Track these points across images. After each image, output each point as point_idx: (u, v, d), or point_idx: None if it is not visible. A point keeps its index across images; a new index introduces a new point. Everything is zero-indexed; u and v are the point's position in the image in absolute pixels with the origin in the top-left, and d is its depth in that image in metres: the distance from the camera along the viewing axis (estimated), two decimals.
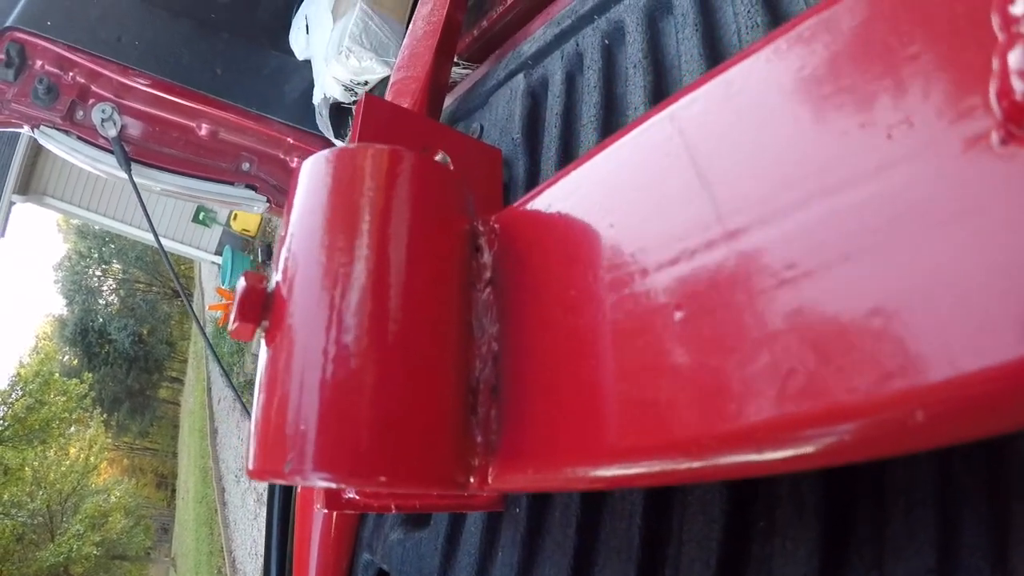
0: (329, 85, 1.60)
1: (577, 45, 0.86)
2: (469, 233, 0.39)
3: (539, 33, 0.94)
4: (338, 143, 1.64)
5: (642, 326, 0.29)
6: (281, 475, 0.29)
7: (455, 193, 0.39)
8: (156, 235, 1.79)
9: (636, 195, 0.33)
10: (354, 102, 1.65)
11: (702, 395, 0.26)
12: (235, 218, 9.67)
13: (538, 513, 0.58)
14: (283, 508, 1.14)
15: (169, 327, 20.13)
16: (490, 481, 0.33)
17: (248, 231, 9.76)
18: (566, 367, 0.32)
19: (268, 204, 1.76)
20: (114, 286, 20.11)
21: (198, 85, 1.63)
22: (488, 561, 0.63)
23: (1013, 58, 0.20)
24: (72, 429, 18.16)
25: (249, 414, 0.33)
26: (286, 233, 0.37)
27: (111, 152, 1.58)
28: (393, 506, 0.52)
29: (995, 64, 0.21)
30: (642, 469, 0.28)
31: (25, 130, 1.58)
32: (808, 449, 0.23)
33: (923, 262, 0.21)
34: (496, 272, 0.39)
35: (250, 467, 0.31)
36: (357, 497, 0.50)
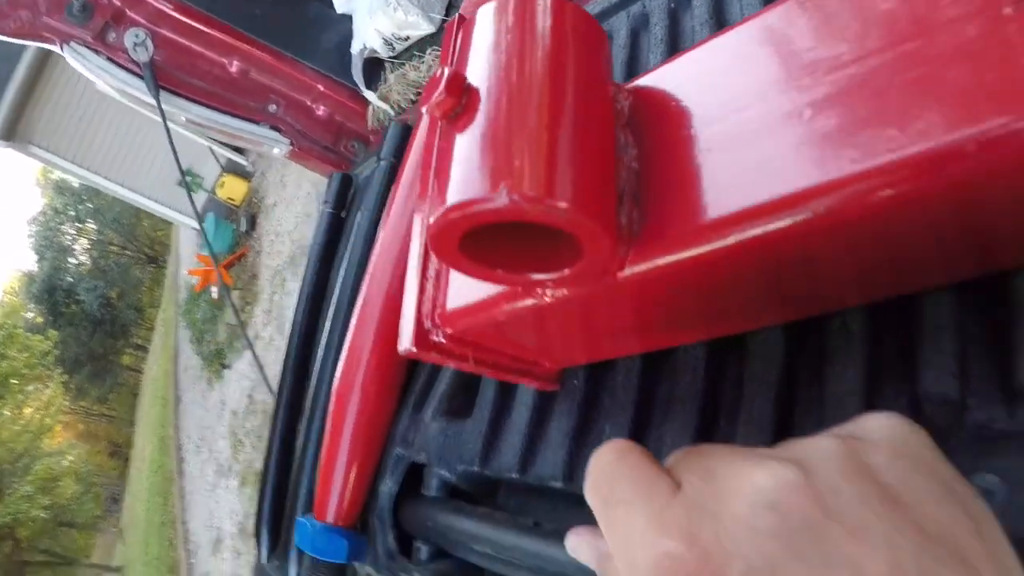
0: (371, 36, 1.68)
1: (644, 6, 0.95)
2: (611, 77, 0.49)
3: None
4: (368, 94, 1.72)
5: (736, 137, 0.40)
6: (490, 200, 0.37)
7: (605, 40, 0.48)
8: (173, 148, 1.85)
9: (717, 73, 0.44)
10: (391, 56, 1.73)
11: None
12: (222, 185, 9.65)
13: (598, 380, 0.66)
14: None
15: (140, 293, 19.98)
16: (628, 264, 0.42)
17: (233, 200, 9.75)
18: (689, 177, 0.42)
19: (291, 147, 1.81)
20: (87, 246, 19.94)
21: (236, 22, 1.68)
22: (537, 438, 0.71)
23: None
24: (31, 388, 18.03)
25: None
26: (474, 54, 0.46)
27: (140, 77, 1.62)
28: (471, 358, 0.60)
29: None
30: (753, 230, 0.38)
31: (55, 47, 1.62)
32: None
33: None
34: (631, 117, 0.48)
35: (454, 198, 0.39)
36: (444, 341, 0.58)
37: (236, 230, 9.30)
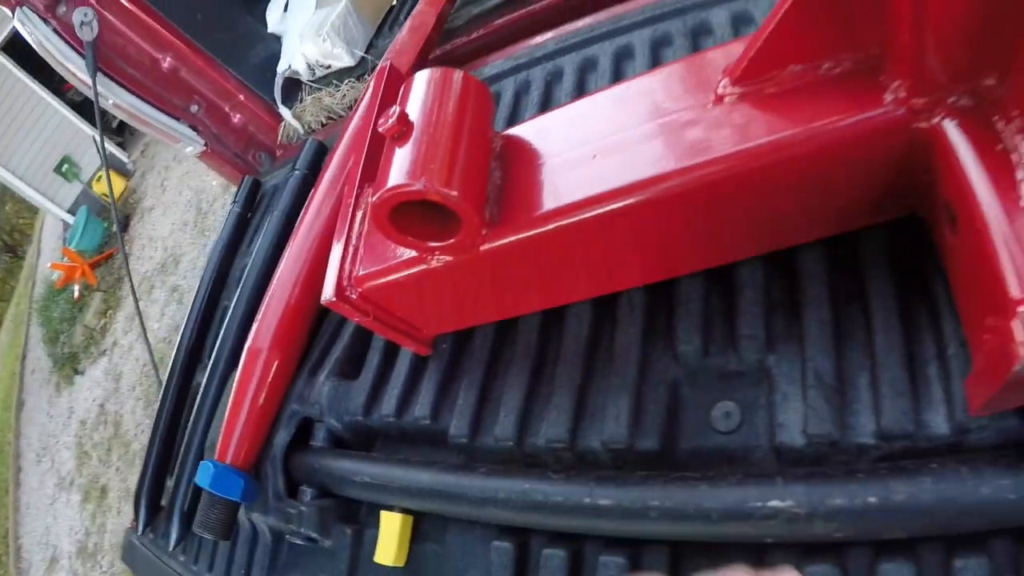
0: (297, 60, 1.88)
1: (527, 76, 1.23)
2: (492, 126, 0.74)
3: (498, 63, 1.32)
4: (284, 111, 1.91)
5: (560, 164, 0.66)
6: (412, 184, 0.61)
7: (491, 102, 0.73)
8: (102, 139, 1.98)
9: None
10: (311, 80, 1.93)
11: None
12: (98, 180, 9.39)
13: (461, 344, 0.90)
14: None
15: None
16: (486, 241, 0.67)
17: (108, 196, 9.49)
18: (528, 191, 0.67)
19: (204, 147, 1.95)
20: None
21: (177, 22, 1.83)
22: (411, 391, 0.92)
23: None
24: None
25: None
26: (412, 101, 0.70)
27: (81, 55, 1.72)
28: (372, 314, 0.82)
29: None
30: (573, 217, 0.63)
31: (7, 7, 1.71)
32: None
33: None
34: (500, 152, 0.73)
35: (393, 182, 0.62)
36: (355, 297, 0.80)
37: (106, 229, 9.06)
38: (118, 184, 9.37)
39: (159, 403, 1.44)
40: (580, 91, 1.10)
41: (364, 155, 0.84)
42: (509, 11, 1.50)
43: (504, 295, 0.81)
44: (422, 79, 0.73)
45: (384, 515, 0.90)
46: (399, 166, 0.64)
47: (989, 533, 0.56)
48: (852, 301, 0.69)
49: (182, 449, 1.24)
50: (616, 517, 0.66)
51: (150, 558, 1.33)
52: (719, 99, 0.64)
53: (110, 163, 9.35)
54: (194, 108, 1.93)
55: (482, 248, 0.69)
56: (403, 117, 0.66)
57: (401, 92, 0.74)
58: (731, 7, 1.06)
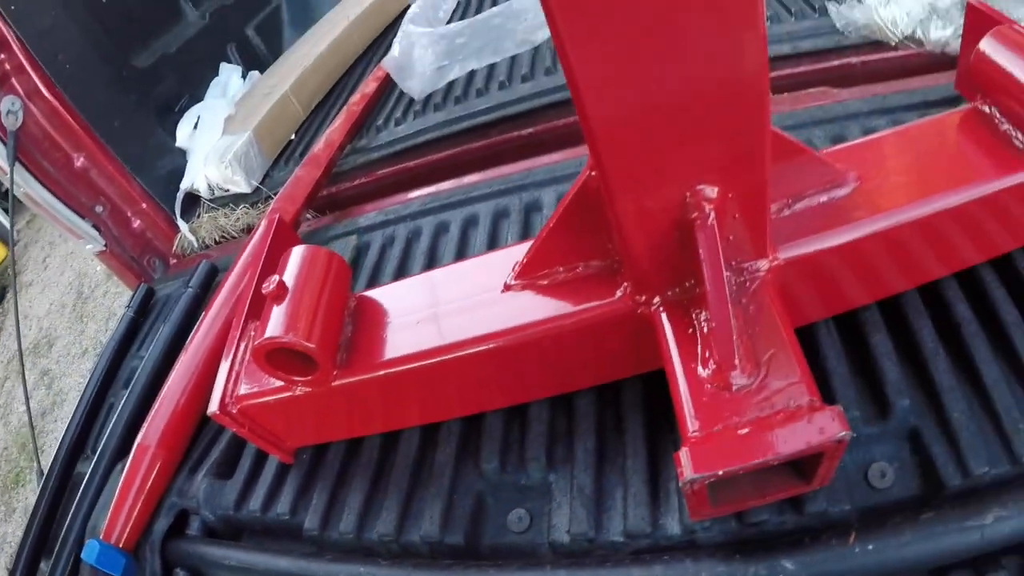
0: (199, 179, 2.12)
1: (393, 232, 1.52)
2: (349, 289, 1.00)
3: (371, 215, 1.62)
4: (182, 224, 2.12)
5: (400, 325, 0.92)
6: (283, 337, 0.86)
7: (348, 272, 0.99)
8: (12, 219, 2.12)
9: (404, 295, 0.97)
10: (210, 199, 2.15)
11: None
12: None
13: (319, 455, 1.12)
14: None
15: None
16: (336, 379, 0.92)
17: None
18: (372, 343, 0.93)
19: (104, 248, 2.12)
20: None
21: (97, 126, 2.03)
22: (275, 492, 1.13)
23: None
24: None
25: None
26: (288, 269, 0.95)
27: (3, 143, 1.89)
28: (247, 428, 1.05)
29: None
30: (399, 368, 0.89)
31: None
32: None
33: None
34: (354, 310, 0.99)
35: (270, 333, 0.87)
36: (235, 412, 1.03)
37: None
38: None
39: (40, 488, 1.58)
40: (432, 252, 1.41)
41: (250, 299, 1.08)
42: (389, 165, 1.81)
43: (351, 420, 1.06)
44: (298, 254, 1.00)
45: None
46: (275, 322, 0.89)
47: None
48: (613, 433, 0.97)
49: (63, 533, 1.38)
50: None
51: None
52: (507, 288, 0.93)
53: None
54: (99, 209, 2.11)
55: (333, 384, 0.94)
56: (281, 284, 0.92)
57: (282, 260, 0.99)
58: (557, 188, 1.39)
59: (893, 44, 1.58)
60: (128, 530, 1.21)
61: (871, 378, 0.92)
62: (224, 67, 2.58)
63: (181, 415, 1.29)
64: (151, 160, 2.21)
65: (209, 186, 2.13)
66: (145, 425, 1.29)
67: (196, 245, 2.11)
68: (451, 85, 2.01)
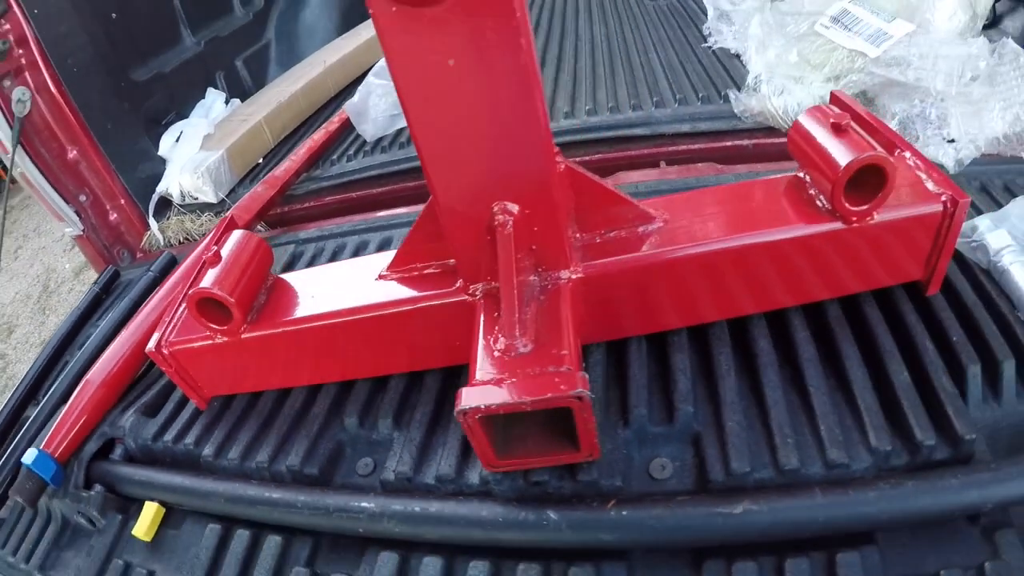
0: (173, 185, 2.44)
1: (324, 245, 1.87)
2: (270, 269, 1.33)
3: (312, 231, 1.98)
4: (152, 222, 2.44)
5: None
6: (212, 288, 1.18)
7: (270, 253, 1.33)
8: (5, 205, 2.42)
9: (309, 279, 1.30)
10: (180, 204, 2.47)
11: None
12: None
13: (226, 403, 1.42)
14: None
15: None
16: (245, 332, 1.24)
17: None
18: (280, 308, 1.25)
19: (82, 233, 2.43)
20: None
21: (92, 125, 2.34)
22: (186, 430, 1.41)
23: None
24: None
25: None
26: (226, 245, 1.27)
27: (10, 125, 2.20)
28: (174, 370, 1.35)
29: None
30: (292, 327, 1.22)
31: None
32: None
33: None
34: (270, 287, 1.32)
35: (204, 284, 1.19)
36: (166, 353, 1.34)
37: None
38: None
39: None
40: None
41: (196, 271, 1.40)
42: (335, 193, 2.18)
43: (253, 373, 1.37)
44: (236, 235, 1.33)
45: (146, 504, 1.36)
46: (208, 278, 1.22)
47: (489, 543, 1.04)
48: (449, 405, 1.24)
49: (8, 449, 1.59)
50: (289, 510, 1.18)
51: None
52: (380, 277, 1.26)
53: None
54: (83, 197, 2.42)
55: (242, 336, 1.26)
56: (217, 253, 1.25)
57: (221, 239, 1.32)
58: None
59: (783, 130, 1.84)
60: (64, 446, 1.47)
61: (665, 388, 1.13)
62: (211, 92, 2.94)
63: (123, 364, 1.59)
64: (134, 163, 2.51)
65: (181, 192, 2.45)
66: (94, 366, 1.58)
67: (162, 242, 2.41)
68: (400, 132, 2.39)
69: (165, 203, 2.51)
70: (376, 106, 2.39)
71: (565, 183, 1.09)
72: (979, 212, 1.27)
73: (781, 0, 2.23)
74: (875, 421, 0.99)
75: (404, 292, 1.22)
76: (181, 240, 2.40)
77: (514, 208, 1.02)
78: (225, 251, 1.29)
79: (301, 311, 1.26)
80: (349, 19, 3.65)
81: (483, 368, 0.96)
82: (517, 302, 0.98)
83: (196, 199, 2.45)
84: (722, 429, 1.03)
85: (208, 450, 1.34)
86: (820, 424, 1.01)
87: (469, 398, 0.90)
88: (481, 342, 1.01)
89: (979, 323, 1.08)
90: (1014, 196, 1.34)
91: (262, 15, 3.38)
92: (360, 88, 2.46)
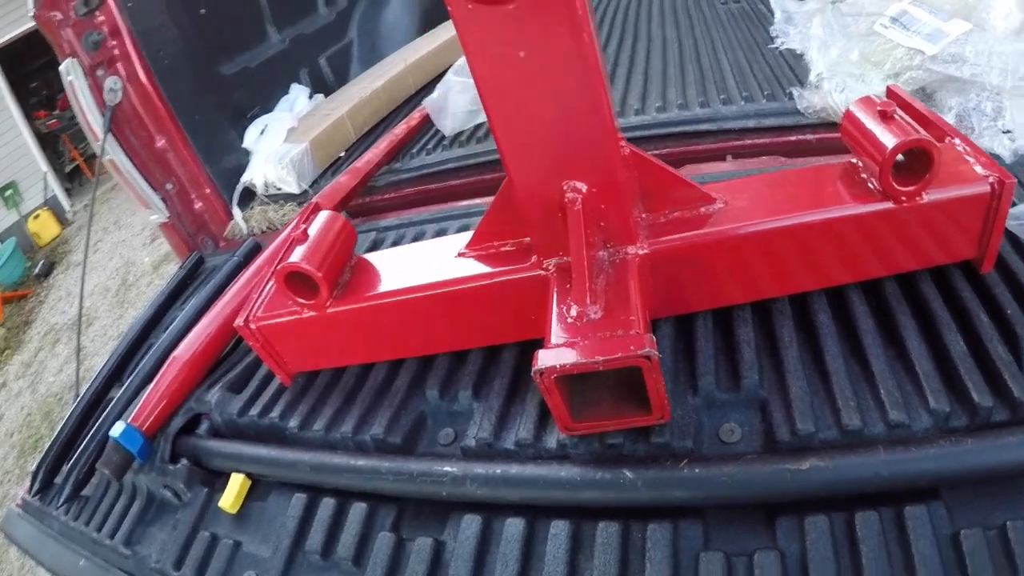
0: (258, 175, 2.50)
1: (404, 232, 1.91)
2: (354, 249, 1.36)
3: (392, 220, 2.03)
4: (236, 212, 2.51)
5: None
6: (301, 264, 1.21)
7: (355, 234, 1.35)
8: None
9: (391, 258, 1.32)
10: (264, 194, 2.54)
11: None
12: (36, 217, 9.56)
13: (310, 379, 1.46)
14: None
15: None
16: (332, 306, 1.27)
17: (39, 237, 9.62)
18: (362, 286, 1.28)
19: (167, 220, 2.51)
20: None
21: (181, 116, 2.41)
22: (271, 405, 1.45)
23: None
24: None
25: None
26: (315, 223, 1.31)
27: (102, 113, 2.29)
28: (261, 344, 1.39)
29: None
30: (378, 301, 1.25)
31: (59, 52, 2.26)
32: None
33: None
34: (355, 266, 1.35)
35: (294, 259, 1.23)
36: (255, 328, 1.37)
37: (28, 269, 9.21)
38: (53, 228, 9.57)
39: (75, 400, 1.91)
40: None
41: (282, 253, 1.43)
42: (414, 185, 2.21)
43: (338, 348, 1.40)
44: (322, 215, 1.36)
45: (232, 476, 1.41)
46: (296, 254, 1.25)
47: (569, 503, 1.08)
48: (526, 376, 1.26)
49: (85, 441, 1.64)
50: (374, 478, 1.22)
51: (31, 523, 1.72)
52: (460, 255, 1.29)
53: (53, 205, 9.61)
54: (169, 186, 2.49)
55: (328, 311, 1.29)
56: (304, 231, 1.28)
57: (309, 220, 1.36)
58: None
59: None
60: (150, 421, 1.52)
61: (731, 358, 1.17)
62: (295, 87, 3.01)
63: (209, 342, 1.64)
64: (220, 154, 2.59)
65: (265, 183, 2.51)
66: (182, 343, 1.63)
67: (245, 231, 2.46)
68: (477, 127, 2.42)
69: (249, 194, 2.57)
70: (455, 102, 2.41)
71: (630, 166, 1.14)
72: None
73: (842, 1, 2.23)
74: (933, 385, 1.03)
75: (482, 268, 1.25)
76: (264, 229, 2.45)
77: (582, 187, 1.07)
78: (312, 229, 1.32)
79: (384, 287, 1.29)
80: (429, 19, 3.70)
81: (557, 333, 1.00)
82: (588, 273, 1.03)
83: (279, 189, 2.51)
84: (787, 394, 1.08)
85: (293, 422, 1.37)
86: (880, 388, 1.04)
87: (546, 359, 0.94)
88: (555, 310, 1.06)
89: None
90: None
91: (345, 14, 3.46)
92: (439, 85, 2.49)
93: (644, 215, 1.19)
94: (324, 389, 1.42)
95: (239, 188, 2.55)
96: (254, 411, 1.45)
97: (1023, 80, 1.65)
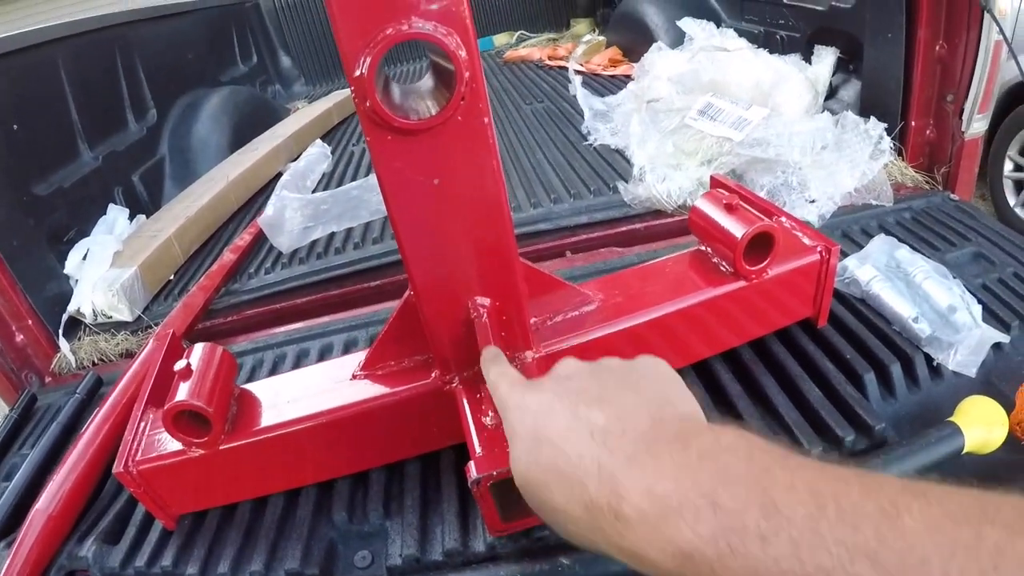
0: (85, 303, 2.38)
1: (262, 356, 1.90)
2: (235, 380, 1.35)
3: (244, 344, 2.00)
4: (63, 344, 2.37)
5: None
6: (189, 401, 1.19)
7: (235, 365, 1.35)
8: None
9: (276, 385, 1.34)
10: (93, 323, 2.42)
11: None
12: None
13: (196, 521, 1.41)
14: None
15: None
16: (223, 443, 1.26)
17: None
18: (248, 421, 1.28)
19: None
20: None
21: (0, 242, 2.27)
22: (156, 557, 1.36)
23: None
24: None
25: None
26: (193, 356, 1.29)
27: None
28: (143, 490, 1.34)
29: None
30: (267, 435, 1.26)
31: None
32: None
33: None
34: (239, 397, 1.34)
35: (180, 398, 1.20)
36: (133, 472, 1.32)
37: None
38: None
39: None
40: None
41: (150, 389, 1.40)
42: (258, 306, 2.21)
43: (230, 485, 1.37)
44: (200, 347, 1.36)
45: None
46: (183, 391, 1.23)
47: None
48: (433, 488, 1.33)
49: None
50: None
51: None
52: (354, 377, 1.33)
53: None
54: None
55: (220, 448, 1.27)
56: (188, 366, 1.27)
57: (186, 352, 1.34)
58: None
59: (669, 212, 2.14)
60: None
61: None
62: (112, 208, 2.90)
63: (74, 490, 1.54)
64: (41, 281, 2.44)
65: (94, 311, 2.39)
66: (41, 495, 1.52)
67: (74, 365, 2.33)
68: (314, 243, 2.46)
69: (76, 324, 2.44)
70: (291, 219, 2.44)
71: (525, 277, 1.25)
72: (845, 255, 1.58)
73: (655, 101, 2.50)
74: (804, 431, 1.20)
75: (384, 388, 1.29)
76: (95, 361, 2.32)
77: (486, 301, 1.16)
78: (194, 363, 1.31)
79: (280, 416, 1.30)
80: (240, 133, 3.71)
81: (481, 442, 1.05)
82: None
83: (110, 317, 2.40)
84: None
85: (192, 569, 1.31)
86: None
87: (480, 468, 0.98)
88: (472, 421, 1.11)
89: (864, 340, 1.37)
90: (870, 237, 1.67)
91: (155, 130, 3.40)
92: (272, 202, 2.51)
93: (534, 320, 1.29)
94: (217, 529, 1.38)
95: (65, 318, 2.42)
96: (139, 561, 1.36)
97: (819, 155, 1.95)
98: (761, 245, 1.25)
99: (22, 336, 2.38)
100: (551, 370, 0.81)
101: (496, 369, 0.91)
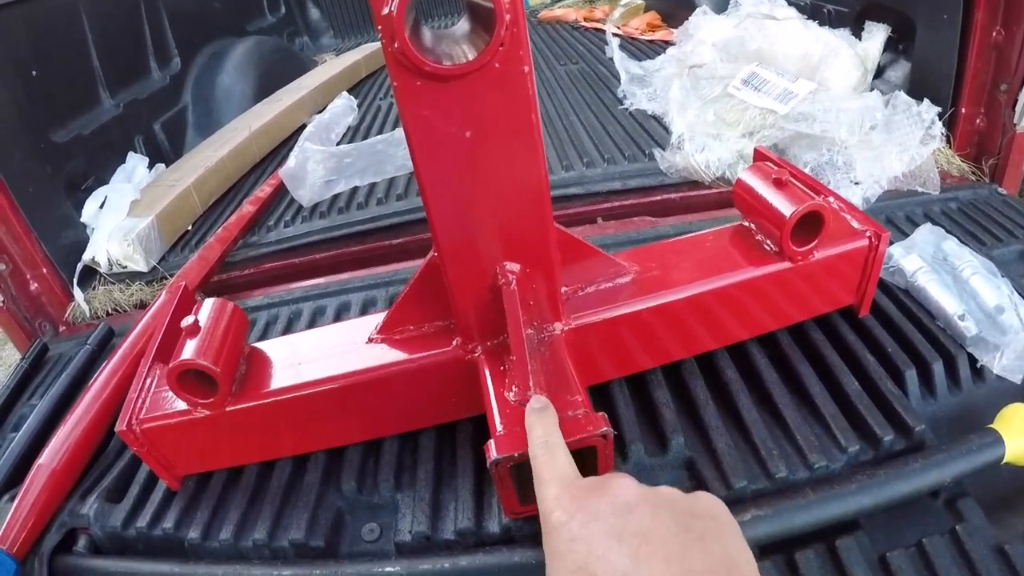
0: (100, 252, 2.31)
1: (277, 312, 1.81)
2: (246, 340, 1.27)
3: (259, 298, 1.92)
4: (78, 293, 2.31)
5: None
6: (194, 360, 1.12)
7: (247, 322, 1.27)
8: None
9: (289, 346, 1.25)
10: (108, 273, 2.35)
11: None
12: None
13: (201, 482, 1.34)
14: None
15: None
16: (229, 404, 1.18)
17: None
18: (257, 380, 1.20)
19: (1, 304, 2.24)
20: None
21: (13, 189, 2.19)
22: (159, 516, 1.30)
23: None
24: None
25: None
26: (202, 310, 1.21)
27: None
28: (146, 448, 1.27)
29: None
30: (278, 397, 1.17)
31: None
32: None
33: None
34: (248, 356, 1.26)
35: (184, 356, 1.13)
36: (137, 431, 1.26)
37: None
38: None
39: None
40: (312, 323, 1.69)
41: (157, 344, 1.32)
42: (276, 260, 2.13)
43: (235, 447, 1.30)
44: (210, 303, 1.27)
45: None
46: (189, 349, 1.15)
47: None
48: (448, 462, 1.26)
49: None
50: None
51: None
52: (371, 340, 1.24)
53: None
54: (2, 266, 2.24)
55: (227, 409, 1.19)
56: (196, 322, 1.18)
57: (195, 307, 1.26)
58: None
59: (707, 183, 2.04)
60: (20, 541, 1.33)
61: (653, 422, 1.20)
62: (132, 156, 2.81)
63: (78, 446, 1.47)
64: (57, 230, 2.37)
65: (109, 261, 2.32)
66: (45, 450, 1.46)
67: (88, 315, 2.27)
68: (336, 197, 2.37)
69: (90, 272, 2.37)
70: (313, 172, 2.35)
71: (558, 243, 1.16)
72: (890, 243, 1.46)
73: (698, 67, 2.38)
74: (840, 425, 1.14)
75: (401, 354, 1.20)
76: (109, 311, 2.26)
77: (515, 267, 1.07)
78: (202, 319, 1.22)
79: (291, 379, 1.21)
80: (264, 85, 3.61)
81: (503, 419, 0.97)
82: (529, 356, 1.01)
83: (125, 267, 2.33)
84: (713, 452, 1.13)
85: (194, 532, 1.24)
86: (796, 435, 1.13)
87: (501, 448, 0.91)
88: (494, 396, 1.03)
89: (907, 334, 1.29)
90: (915, 225, 1.59)
91: (179, 78, 3.30)
92: (295, 153, 2.42)
93: (564, 290, 1.20)
94: (222, 492, 1.31)
95: (80, 267, 2.35)
96: (141, 522, 1.30)
97: (867, 134, 1.82)
98: (809, 225, 1.16)
99: (36, 284, 2.32)
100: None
101: (541, 435, 0.84)
